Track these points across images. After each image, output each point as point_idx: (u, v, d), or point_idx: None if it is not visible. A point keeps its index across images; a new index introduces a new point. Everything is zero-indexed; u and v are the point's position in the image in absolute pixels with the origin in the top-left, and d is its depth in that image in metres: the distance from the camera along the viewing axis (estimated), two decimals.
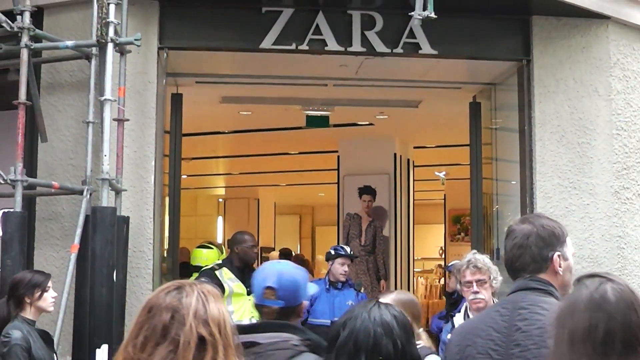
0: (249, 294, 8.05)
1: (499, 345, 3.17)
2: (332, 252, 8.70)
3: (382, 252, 12.57)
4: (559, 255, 3.27)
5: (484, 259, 5.86)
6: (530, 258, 3.28)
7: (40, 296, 5.28)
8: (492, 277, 5.81)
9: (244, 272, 8.16)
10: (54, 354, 5.53)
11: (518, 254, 3.29)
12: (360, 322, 3.03)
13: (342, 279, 8.51)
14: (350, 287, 8.63)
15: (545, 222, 3.37)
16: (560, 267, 3.26)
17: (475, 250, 6.21)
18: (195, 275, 8.49)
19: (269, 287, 3.54)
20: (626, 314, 2.43)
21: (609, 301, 2.44)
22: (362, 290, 8.76)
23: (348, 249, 8.72)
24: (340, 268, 8.54)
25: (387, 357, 2.96)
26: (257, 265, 16.15)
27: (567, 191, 7.84)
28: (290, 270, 3.72)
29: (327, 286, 8.65)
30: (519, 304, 3.21)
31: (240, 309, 7.94)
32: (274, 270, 3.67)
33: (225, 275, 7.93)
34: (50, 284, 5.40)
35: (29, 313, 5.27)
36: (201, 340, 2.33)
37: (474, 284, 5.79)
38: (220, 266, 8.05)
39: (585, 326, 2.42)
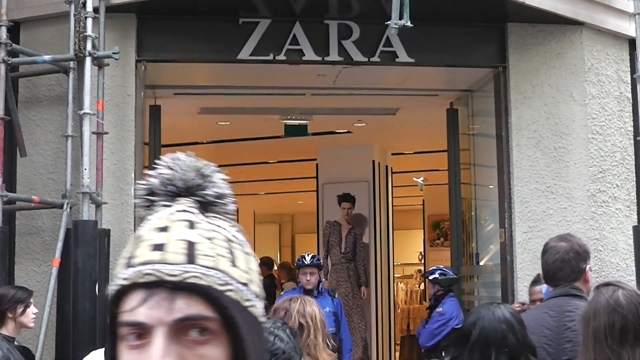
0: None
1: (552, 340, 3.97)
2: (297, 262, 8.72)
3: (362, 259, 12.55)
4: (589, 268, 4.11)
5: None
6: (570, 270, 4.07)
7: (23, 312, 5.27)
8: None
9: None
10: None
11: (561, 267, 4.08)
12: (487, 321, 3.60)
13: (308, 287, 8.43)
14: (326, 294, 8.58)
15: (578, 241, 4.19)
16: (589, 277, 4.10)
17: None
18: None
19: None
20: (634, 313, 3.15)
21: (622, 305, 3.15)
22: (336, 296, 8.68)
23: (308, 258, 8.64)
24: (302, 278, 8.52)
25: (511, 349, 3.54)
26: None
27: (544, 195, 7.89)
28: None
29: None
30: (565, 307, 4.01)
31: None
32: None
33: None
34: (32, 300, 5.39)
35: (9, 329, 5.24)
36: (300, 325, 4.16)
37: None
38: None
39: (605, 325, 3.13)
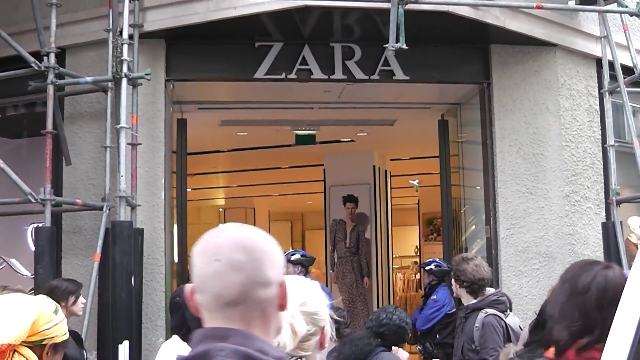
0: None
1: None
2: None
3: (364, 253, 12.61)
4: None
5: None
6: None
7: (74, 302, 5.31)
8: None
9: None
10: (84, 351, 5.60)
11: None
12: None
13: None
14: None
15: None
16: None
17: None
18: None
19: None
20: None
21: None
22: None
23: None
24: None
25: None
26: None
27: (524, 196, 7.96)
28: None
29: None
30: None
31: None
32: None
33: None
34: (81, 291, 5.46)
35: None
36: None
37: None
38: None
39: None
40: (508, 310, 5.62)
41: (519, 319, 5.82)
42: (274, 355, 1.65)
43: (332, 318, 2.48)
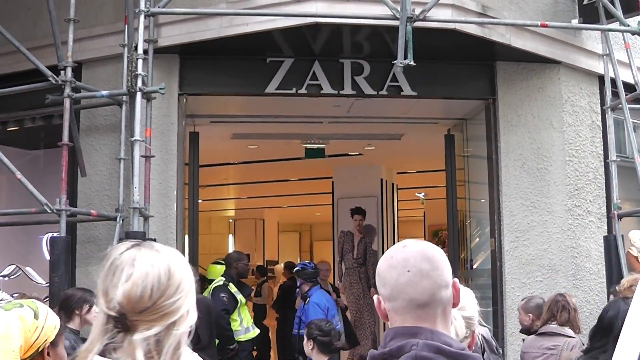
0: (245, 303, 8.29)
1: None
2: None
3: (372, 264, 12.56)
4: None
5: None
6: None
7: (88, 311, 5.28)
8: None
9: (239, 285, 8.31)
10: None
11: None
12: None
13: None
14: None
15: None
16: None
17: None
18: (211, 287, 8.57)
19: None
20: None
21: None
22: (307, 302, 8.59)
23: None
24: None
25: None
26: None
27: (528, 209, 7.94)
28: None
29: None
30: None
31: (246, 317, 8.06)
32: None
33: (232, 289, 8.03)
34: (95, 300, 5.42)
35: (75, 324, 5.25)
36: None
37: None
38: (227, 281, 8.12)
39: None
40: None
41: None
42: (457, 346, 1.93)
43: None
